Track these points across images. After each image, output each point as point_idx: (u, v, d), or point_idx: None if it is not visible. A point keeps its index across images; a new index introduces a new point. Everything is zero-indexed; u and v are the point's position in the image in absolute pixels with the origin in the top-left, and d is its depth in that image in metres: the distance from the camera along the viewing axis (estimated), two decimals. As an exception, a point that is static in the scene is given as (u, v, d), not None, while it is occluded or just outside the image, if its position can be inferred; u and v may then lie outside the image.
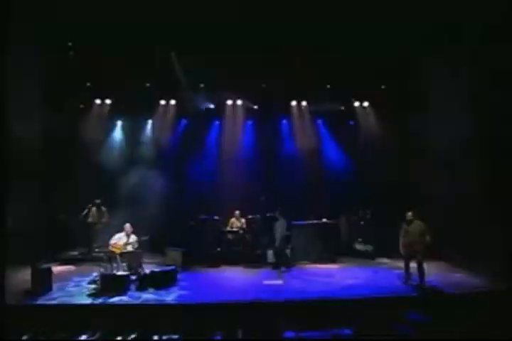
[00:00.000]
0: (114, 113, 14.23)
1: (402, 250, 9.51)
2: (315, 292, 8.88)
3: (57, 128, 12.83)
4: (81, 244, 12.42)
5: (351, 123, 14.71)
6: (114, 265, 10.13)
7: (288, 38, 11.66)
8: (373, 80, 13.40)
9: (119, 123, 14.66)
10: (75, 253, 12.45)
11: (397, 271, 10.68)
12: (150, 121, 14.73)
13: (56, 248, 12.32)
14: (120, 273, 9.58)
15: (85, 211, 11.84)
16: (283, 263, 11.19)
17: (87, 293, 8.88)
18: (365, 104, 14.40)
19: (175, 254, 11.37)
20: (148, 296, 8.69)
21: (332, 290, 9.05)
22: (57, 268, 11.41)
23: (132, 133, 14.47)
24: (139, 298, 8.57)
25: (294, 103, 14.59)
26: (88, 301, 8.33)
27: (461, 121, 11.12)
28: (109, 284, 9.04)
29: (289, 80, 13.08)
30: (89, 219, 12.10)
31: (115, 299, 8.44)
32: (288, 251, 11.58)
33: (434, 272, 10.42)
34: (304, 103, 14.54)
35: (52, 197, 12.84)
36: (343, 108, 14.51)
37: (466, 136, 11.06)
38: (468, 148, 11.08)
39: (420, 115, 12.94)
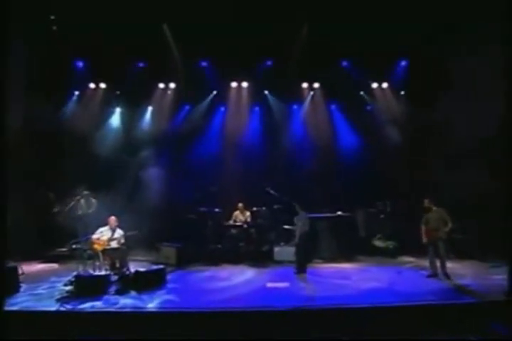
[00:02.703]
0: (110, 98, 12.65)
1: (424, 238, 8.83)
2: (327, 298, 7.06)
3: (45, 115, 11.48)
4: (71, 239, 10.94)
5: (368, 108, 12.99)
6: (97, 263, 8.65)
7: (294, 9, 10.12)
8: (392, 57, 11.65)
9: (117, 110, 12.90)
10: (64, 249, 11.00)
11: (423, 272, 8.94)
12: (150, 108, 13.05)
13: (43, 243, 10.91)
14: (98, 273, 8.06)
15: (72, 203, 10.40)
16: (305, 263, 9.20)
17: (59, 296, 7.27)
18: (384, 85, 12.53)
19: (168, 251, 9.73)
20: (127, 301, 6.97)
21: (348, 295, 7.22)
22: (38, 267, 9.96)
23: (129, 119, 12.70)
24: (116, 303, 6.87)
25: (305, 85, 12.74)
26: (54, 307, 6.70)
27: (488, 108, 9.52)
28: (85, 286, 7.42)
29: (300, 58, 11.52)
30: (79, 212, 10.63)
31: (87, 305, 6.79)
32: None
33: (470, 274, 8.59)
34: (316, 85, 12.70)
35: (43, 189, 11.47)
36: (361, 92, 12.72)
37: (495, 124, 9.39)
38: (496, 137, 9.39)
39: (444, 98, 11.22)
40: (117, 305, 6.79)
